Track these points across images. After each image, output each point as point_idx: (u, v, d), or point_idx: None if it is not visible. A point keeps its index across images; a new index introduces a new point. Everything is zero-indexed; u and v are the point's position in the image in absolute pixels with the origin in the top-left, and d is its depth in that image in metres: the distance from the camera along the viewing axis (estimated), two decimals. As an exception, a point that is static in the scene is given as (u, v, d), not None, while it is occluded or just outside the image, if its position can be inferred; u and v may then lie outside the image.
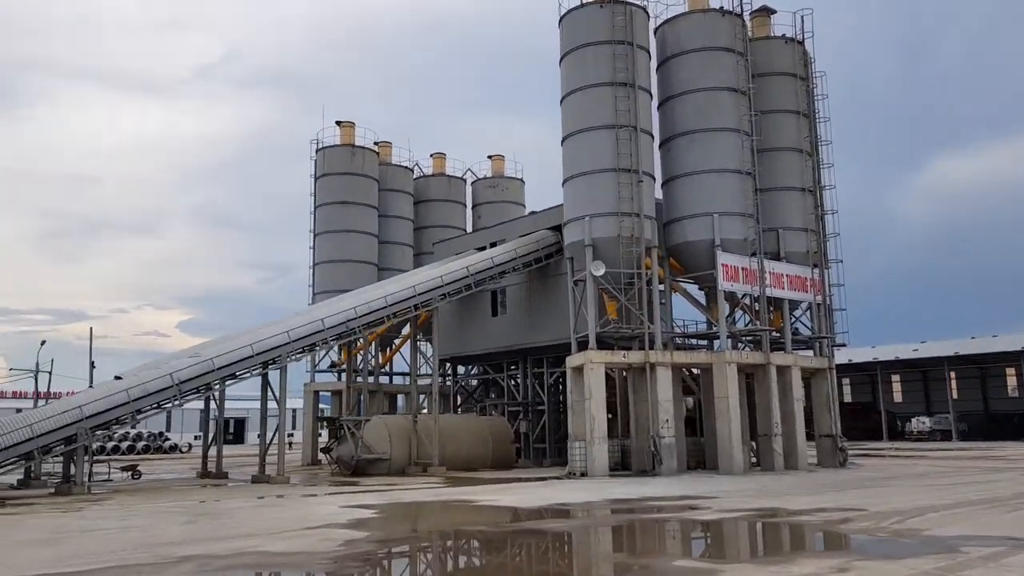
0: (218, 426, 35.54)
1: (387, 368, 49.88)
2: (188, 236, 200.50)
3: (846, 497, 21.52)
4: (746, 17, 35.81)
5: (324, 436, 42.80)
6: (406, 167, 52.86)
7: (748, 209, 33.27)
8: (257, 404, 34.40)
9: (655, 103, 34.82)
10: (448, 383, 46.48)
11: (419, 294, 34.97)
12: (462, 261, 37.57)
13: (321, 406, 53.50)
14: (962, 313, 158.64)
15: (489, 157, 56.12)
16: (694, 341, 37.55)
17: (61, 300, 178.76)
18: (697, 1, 35.05)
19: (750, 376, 34.17)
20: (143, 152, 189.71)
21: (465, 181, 55.35)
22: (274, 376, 32.18)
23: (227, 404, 35.95)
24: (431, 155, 55.18)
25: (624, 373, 33.82)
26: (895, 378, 76.56)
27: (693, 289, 36.65)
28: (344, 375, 46.32)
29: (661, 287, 33.87)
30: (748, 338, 35.35)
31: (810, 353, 36.68)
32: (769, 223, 34.65)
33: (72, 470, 27.66)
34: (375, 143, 50.79)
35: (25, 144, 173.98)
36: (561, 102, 34.21)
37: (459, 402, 46.43)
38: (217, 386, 31.59)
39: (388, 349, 49.61)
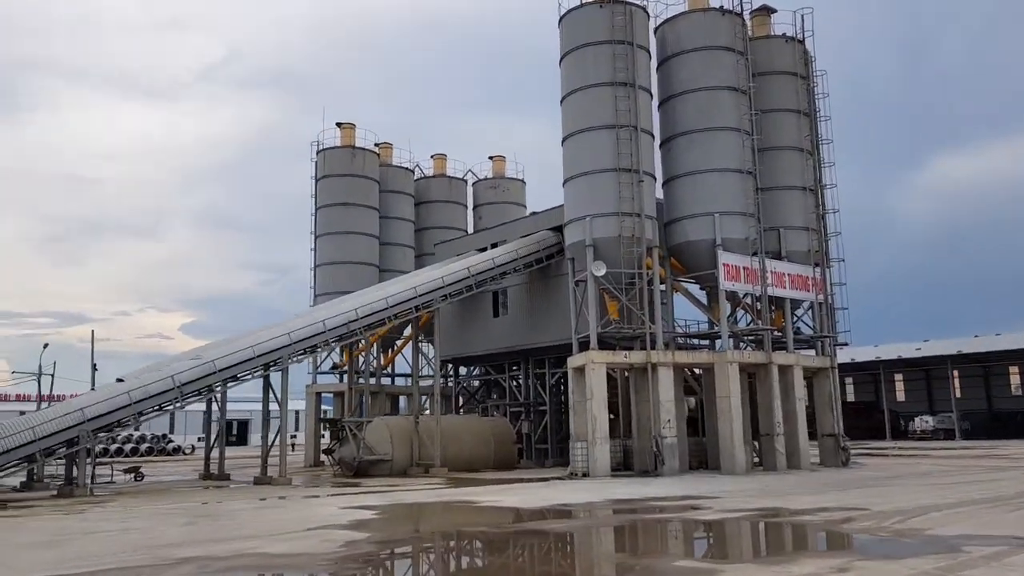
0: (220, 428, 35.55)
1: (389, 369, 49.87)
2: (190, 238, 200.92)
3: (848, 497, 21.47)
4: (746, 16, 35.80)
5: (327, 437, 42.88)
6: (407, 168, 52.86)
7: (749, 208, 33.23)
8: (260, 406, 34.40)
9: (655, 103, 34.80)
10: (450, 384, 46.46)
11: (420, 295, 34.97)
12: (463, 262, 37.57)
13: (323, 407, 53.56)
14: (964, 312, 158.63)
15: (490, 158, 56.17)
16: (696, 341, 37.51)
17: (64, 303, 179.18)
18: (697, 0, 35.02)
19: (752, 376, 34.12)
20: (144, 153, 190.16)
21: (466, 182, 55.37)
22: (276, 378, 32.22)
23: (230, 406, 35.98)
24: (432, 156, 55.22)
25: (626, 373, 33.79)
26: (898, 377, 76.46)
27: (694, 289, 36.63)
28: (346, 377, 46.28)
29: (662, 287, 33.84)
30: (750, 338, 35.30)
31: (812, 352, 36.62)
32: (770, 222, 34.60)
33: (75, 472, 27.70)
34: (376, 144, 50.79)
35: (27, 146, 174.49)
36: (561, 102, 34.20)
37: (461, 403, 46.42)
38: (219, 388, 31.64)
39: (390, 350, 49.58)
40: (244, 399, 62.84)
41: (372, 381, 46.11)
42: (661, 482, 27.42)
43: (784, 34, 37.24)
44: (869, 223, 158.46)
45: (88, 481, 27.94)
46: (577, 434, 31.10)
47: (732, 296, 34.54)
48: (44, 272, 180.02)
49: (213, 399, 34.35)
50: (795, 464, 32.81)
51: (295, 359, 32.52)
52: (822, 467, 34.20)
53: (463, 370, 47.54)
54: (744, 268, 32.86)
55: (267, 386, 32.84)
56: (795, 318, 36.23)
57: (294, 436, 69.66)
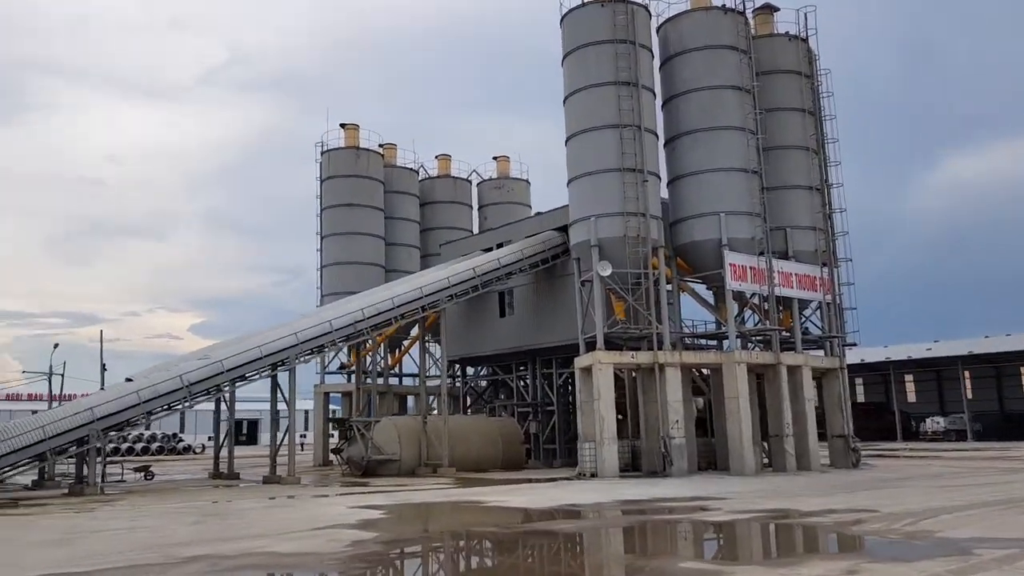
0: (229, 427, 35.68)
1: (396, 369, 49.95)
2: (199, 239, 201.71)
3: (858, 498, 21.35)
4: (749, 15, 35.60)
5: (335, 437, 42.93)
6: (411, 169, 52.92)
7: (755, 208, 33.12)
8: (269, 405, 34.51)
9: (659, 102, 34.71)
10: (458, 384, 46.49)
11: (426, 295, 35.00)
12: (469, 262, 37.57)
13: (332, 407, 53.70)
14: (973, 312, 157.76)
15: (494, 158, 56.17)
16: (703, 341, 37.40)
17: (75, 303, 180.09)
18: (700, -1, 34.96)
19: (760, 376, 34.00)
20: (153, 156, 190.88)
21: (471, 182, 55.38)
22: (283, 378, 32.31)
23: (240, 405, 36.17)
24: (436, 157, 55.23)
25: (633, 374, 33.72)
26: (908, 378, 76.00)
27: (701, 289, 36.57)
28: (354, 377, 46.39)
29: (669, 287, 33.74)
30: (758, 338, 35.18)
31: (821, 353, 36.47)
32: (776, 222, 34.44)
33: (85, 471, 27.82)
34: (380, 145, 50.87)
35: (36, 148, 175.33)
36: (564, 102, 34.16)
37: (469, 403, 46.43)
38: (227, 387, 31.74)
39: (397, 350, 49.68)
40: (254, 399, 63.11)
41: (380, 381, 46.24)
42: (669, 483, 27.35)
43: (787, 33, 37.10)
44: (877, 223, 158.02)
45: (98, 480, 28.06)
46: (585, 435, 31.05)
47: (739, 296, 34.44)
48: (55, 273, 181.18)
49: (222, 399, 34.53)
50: (805, 465, 32.67)
51: (302, 359, 32.60)
52: (832, 468, 34.03)
53: (470, 370, 47.55)
54: (751, 268, 32.74)
55: (275, 386, 32.92)
56: (803, 318, 36.07)
57: (304, 436, 69.91)
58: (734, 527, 16.89)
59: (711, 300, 35.88)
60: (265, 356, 31.16)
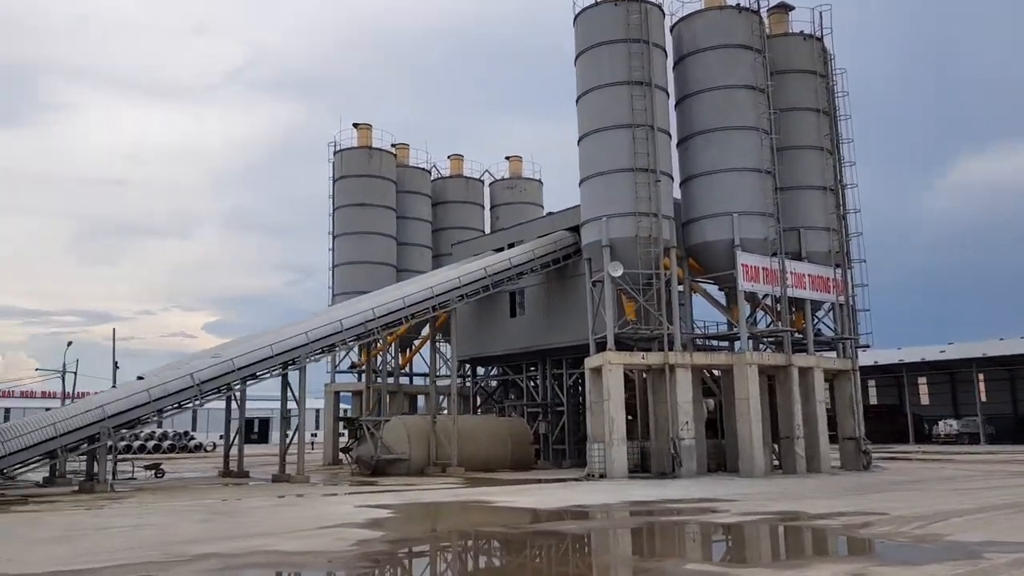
0: (239, 426, 35.81)
1: (407, 369, 49.99)
2: (215, 239, 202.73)
3: (868, 501, 21.17)
4: (763, 14, 35.43)
5: (346, 436, 43.04)
6: (424, 169, 52.95)
7: (768, 208, 32.92)
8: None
9: (672, 102, 34.56)
10: (468, 384, 46.48)
11: (436, 295, 34.99)
12: (480, 262, 37.53)
13: (342, 406, 53.80)
14: (990, 314, 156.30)
15: (507, 158, 56.12)
16: (714, 342, 37.21)
17: (91, 302, 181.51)
18: (714, -2, 34.78)
19: (772, 378, 33.78)
20: (171, 156, 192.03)
21: (483, 182, 55.36)
22: (294, 376, 32.39)
23: (252, 404, 36.29)
24: (448, 157, 55.23)
25: (643, 374, 33.58)
26: (921, 380, 75.37)
27: (713, 290, 36.37)
28: (364, 376, 46.47)
29: (680, 288, 33.60)
30: (769, 339, 34.95)
31: (833, 354, 36.23)
32: (790, 222, 34.24)
33: (96, 468, 27.96)
34: (392, 145, 50.91)
35: (59, 150, 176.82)
36: (577, 102, 34.07)
37: (479, 403, 46.41)
38: (238, 386, 31.86)
39: (408, 350, 49.71)
40: (266, 397, 63.36)
41: (390, 380, 46.27)
42: (678, 484, 27.22)
43: (802, 32, 36.88)
44: (894, 224, 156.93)
45: (109, 477, 28.21)
46: (594, 435, 30.95)
47: (751, 297, 34.25)
48: (71, 272, 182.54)
49: (232, 397, 34.66)
50: (815, 467, 32.45)
51: (313, 358, 32.66)
52: (842, 471, 33.77)
53: (481, 370, 47.54)
54: (763, 269, 32.55)
55: (285, 385, 32.99)
56: (816, 320, 35.83)
57: (315, 434, 70.07)
58: (742, 529, 16.77)
59: (723, 301, 35.68)
60: (276, 355, 31.23)
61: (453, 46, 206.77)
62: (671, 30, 35.23)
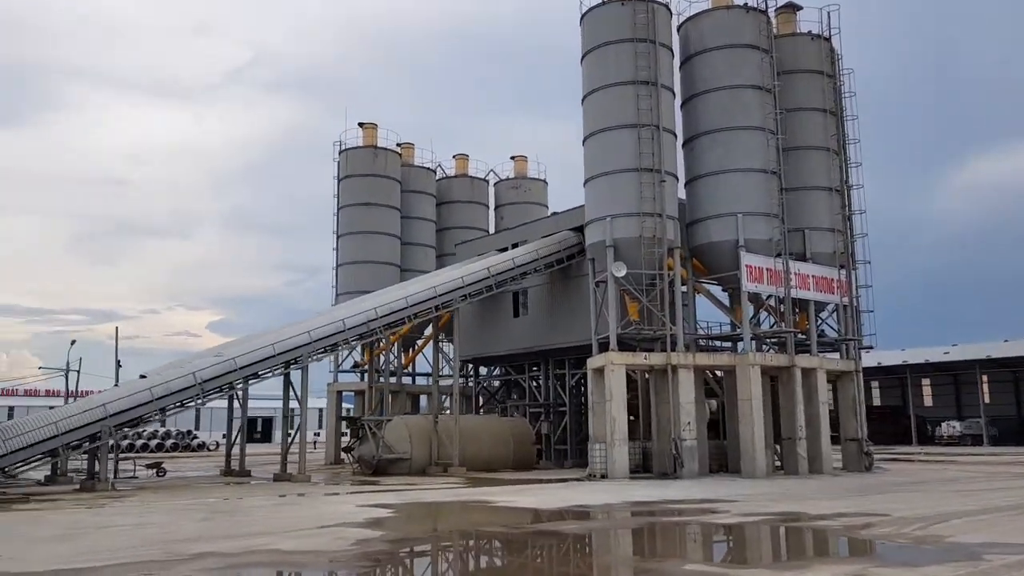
0: (241, 425, 35.83)
1: (410, 369, 50.00)
2: (215, 239, 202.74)
3: (869, 502, 21.12)
4: (771, 13, 35.32)
5: (348, 436, 43.02)
6: (429, 168, 52.93)
7: (773, 209, 32.84)
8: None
9: (678, 101, 34.50)
10: (470, 384, 46.47)
11: (440, 295, 34.95)
12: (483, 262, 37.49)
13: (345, 406, 53.81)
14: (994, 315, 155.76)
15: (512, 158, 56.05)
16: (717, 343, 37.15)
17: (95, 301, 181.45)
18: (721, -2, 34.70)
19: (774, 378, 33.72)
20: (171, 156, 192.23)
21: (488, 182, 55.32)
22: (296, 376, 32.39)
23: (255, 403, 36.28)
24: (454, 156, 55.22)
25: (646, 375, 33.54)
26: (925, 382, 75.18)
27: (717, 290, 36.30)
28: (367, 375, 46.48)
29: (684, 288, 33.53)
30: (772, 340, 34.89)
31: (836, 355, 36.13)
32: (795, 223, 34.14)
33: (97, 467, 27.98)
34: (397, 144, 50.92)
35: (60, 149, 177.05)
36: (582, 101, 34.03)
37: (481, 403, 46.41)
38: (240, 385, 31.86)
39: (411, 350, 49.73)
40: (270, 396, 63.39)
41: (393, 380, 46.30)
42: (680, 485, 27.18)
43: (810, 32, 36.77)
44: (900, 224, 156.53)
45: (110, 476, 28.21)
46: (596, 435, 30.92)
47: (755, 298, 34.17)
48: (76, 271, 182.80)
49: (235, 396, 34.68)
50: (817, 469, 32.38)
51: (315, 357, 32.65)
52: (844, 472, 33.70)
53: (483, 370, 47.53)
54: (767, 269, 32.47)
55: (287, 384, 33.00)
56: (819, 321, 35.75)
57: (317, 434, 70.13)
58: (743, 530, 16.73)
59: (726, 301, 35.63)
60: (278, 354, 31.21)
61: (453, 46, 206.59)
62: (678, 29, 35.15)
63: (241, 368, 30.36)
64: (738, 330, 33.50)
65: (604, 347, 31.51)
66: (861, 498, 22.32)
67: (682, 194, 34.21)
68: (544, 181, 55.90)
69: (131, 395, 28.34)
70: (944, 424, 66.60)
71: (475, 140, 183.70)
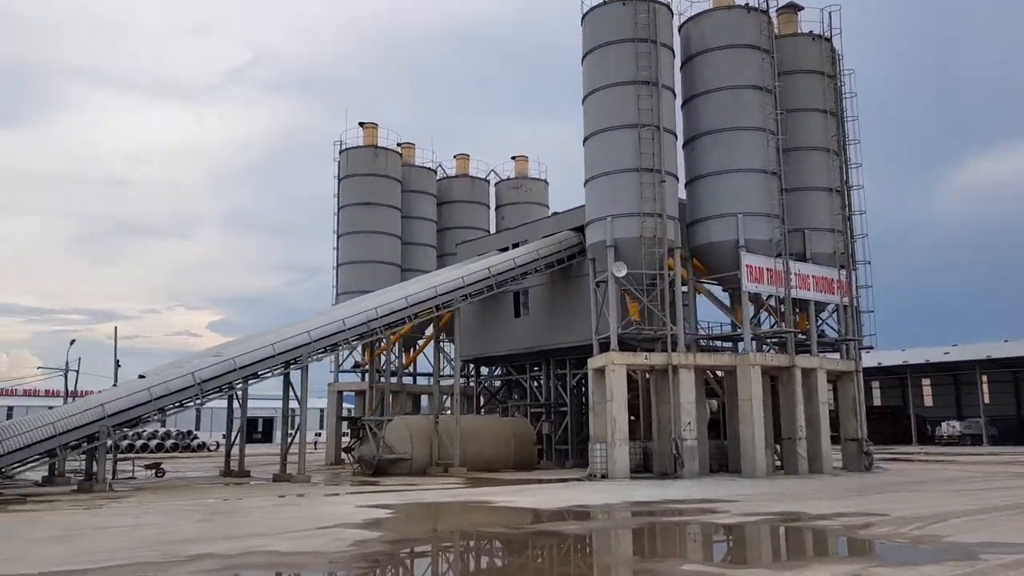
0: (240, 425, 35.80)
1: (410, 369, 49.97)
2: (215, 239, 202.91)
3: (868, 502, 21.10)
4: (772, 14, 35.31)
5: (349, 436, 43.00)
6: (429, 168, 52.93)
7: (774, 209, 32.81)
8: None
9: (679, 102, 34.47)
10: (471, 384, 46.44)
11: (440, 295, 34.92)
12: (484, 262, 37.46)
13: (346, 406, 53.78)
14: (995, 315, 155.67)
15: (513, 158, 56.06)
16: (718, 343, 37.12)
17: (95, 301, 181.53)
18: (722, -2, 34.67)
19: (775, 379, 33.70)
20: (171, 156, 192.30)
21: (488, 182, 55.32)
22: (296, 376, 32.35)
23: (256, 403, 36.26)
24: (454, 156, 55.24)
25: (647, 375, 33.51)
26: (925, 382, 75.18)
27: (717, 290, 36.28)
28: (367, 375, 46.46)
29: (684, 288, 33.51)
30: (773, 340, 34.86)
31: (837, 355, 36.11)
32: (795, 223, 34.12)
33: (95, 468, 27.95)
34: (398, 144, 50.92)
35: (61, 149, 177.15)
36: (583, 101, 34.01)
37: (482, 403, 46.38)
38: (239, 385, 31.81)
39: (411, 350, 49.70)
40: (270, 396, 63.39)
41: (393, 380, 46.27)
42: (680, 485, 27.16)
43: (811, 32, 36.74)
44: (901, 225, 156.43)
45: (108, 476, 28.17)
46: (596, 435, 30.90)
47: (755, 298, 34.15)
48: (76, 271, 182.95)
49: (235, 396, 34.65)
50: (817, 468, 32.36)
51: (315, 357, 32.62)
52: (845, 472, 33.68)
53: (484, 370, 47.51)
54: (768, 270, 32.45)
55: (287, 384, 32.97)
56: (820, 321, 35.72)
57: (318, 434, 70.09)
58: (743, 530, 16.71)
59: (727, 302, 35.60)
60: (278, 354, 31.17)
61: (453, 46, 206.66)
62: (679, 29, 35.12)
63: (241, 368, 30.33)
64: (738, 330, 33.48)
65: (605, 347, 31.49)
66: (860, 498, 22.30)
67: (683, 194, 34.20)
68: (545, 181, 55.92)
69: (130, 395, 28.29)
70: (944, 424, 66.60)
71: (475, 140, 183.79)
